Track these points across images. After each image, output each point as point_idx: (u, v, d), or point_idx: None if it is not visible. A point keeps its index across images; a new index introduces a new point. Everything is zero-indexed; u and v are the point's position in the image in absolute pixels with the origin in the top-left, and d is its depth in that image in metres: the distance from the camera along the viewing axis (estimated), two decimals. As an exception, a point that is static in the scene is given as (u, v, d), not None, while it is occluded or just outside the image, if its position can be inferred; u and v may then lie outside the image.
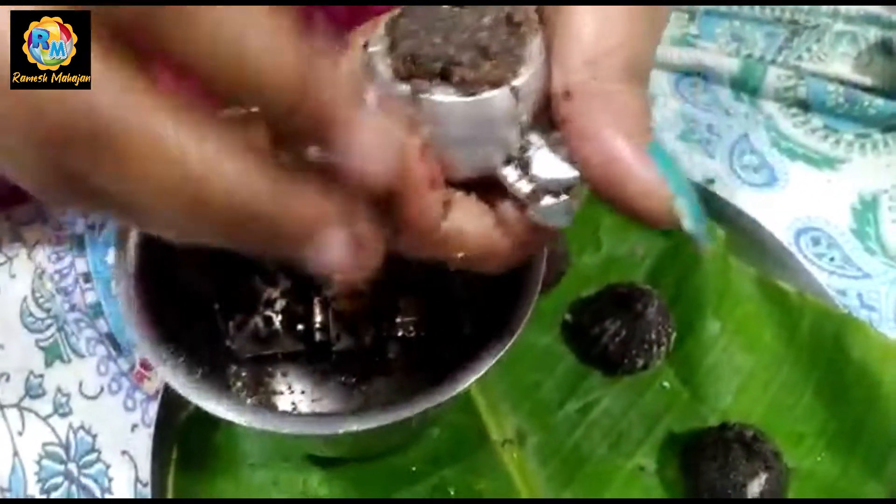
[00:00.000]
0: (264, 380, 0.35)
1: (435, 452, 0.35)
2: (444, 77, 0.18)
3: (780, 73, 0.51)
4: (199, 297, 0.33)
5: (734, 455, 0.33)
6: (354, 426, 0.23)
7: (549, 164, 0.19)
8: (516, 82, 0.18)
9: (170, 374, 0.24)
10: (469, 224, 0.20)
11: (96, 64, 0.14)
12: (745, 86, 0.51)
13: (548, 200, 0.19)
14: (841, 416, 0.36)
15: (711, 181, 0.47)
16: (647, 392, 0.38)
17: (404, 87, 0.19)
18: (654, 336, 0.36)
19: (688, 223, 0.16)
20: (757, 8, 0.55)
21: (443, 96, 0.18)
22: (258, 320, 0.35)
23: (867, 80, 0.51)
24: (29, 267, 0.43)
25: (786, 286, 0.40)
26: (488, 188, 0.20)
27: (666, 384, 0.38)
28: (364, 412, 0.24)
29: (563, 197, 0.19)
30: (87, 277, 0.42)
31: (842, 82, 0.51)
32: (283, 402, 0.35)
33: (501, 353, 0.25)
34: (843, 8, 0.55)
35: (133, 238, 0.27)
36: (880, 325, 0.41)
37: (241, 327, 0.35)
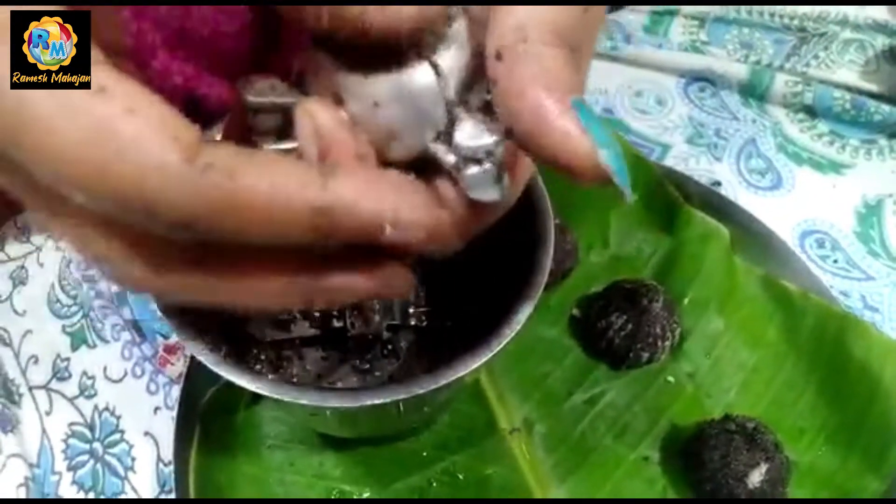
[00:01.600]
0: (282, 364, 0.36)
1: (445, 439, 0.37)
2: (372, 60, 0.19)
3: (788, 80, 0.52)
4: None
5: (736, 445, 0.34)
6: (371, 400, 0.24)
7: (470, 133, 0.19)
8: (437, 59, 0.19)
9: (199, 353, 0.26)
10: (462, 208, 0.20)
11: None
12: (753, 91, 0.53)
13: (472, 169, 0.19)
14: (841, 413, 0.37)
15: (718, 184, 0.48)
16: (652, 385, 0.39)
17: (334, 72, 0.20)
18: (659, 331, 0.38)
19: (611, 171, 0.17)
20: (766, 15, 0.56)
21: (363, 75, 0.19)
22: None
23: (874, 87, 0.52)
24: (56, 255, 0.44)
25: (790, 286, 0.40)
26: (428, 169, 0.21)
27: (671, 378, 0.39)
28: (381, 388, 0.25)
29: (487, 165, 0.19)
30: (112, 266, 0.43)
31: (848, 89, 0.52)
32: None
33: (508, 338, 0.26)
34: (851, 16, 0.56)
35: None
36: (883, 326, 0.42)
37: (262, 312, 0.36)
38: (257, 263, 0.19)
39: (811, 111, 0.52)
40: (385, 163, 0.20)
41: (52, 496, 0.37)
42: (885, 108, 0.50)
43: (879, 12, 0.56)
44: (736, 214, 0.44)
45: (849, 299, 0.43)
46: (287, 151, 0.21)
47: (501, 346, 0.26)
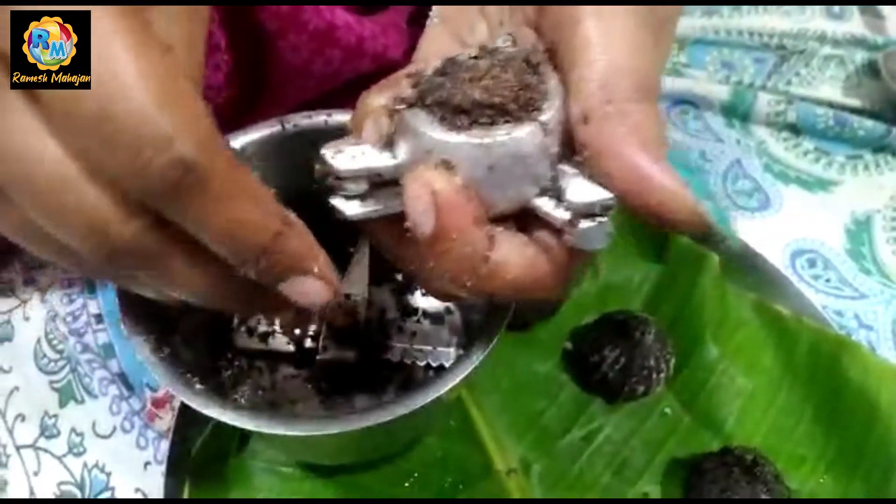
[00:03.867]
0: (252, 374, 0.36)
1: (440, 482, 0.36)
2: (476, 120, 0.19)
3: (770, 99, 0.52)
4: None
5: (735, 478, 0.33)
6: (343, 427, 0.25)
7: (583, 189, 0.19)
8: (543, 118, 0.19)
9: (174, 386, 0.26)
10: (513, 255, 0.20)
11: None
12: (736, 112, 0.53)
13: (585, 224, 0.19)
14: (841, 438, 0.37)
15: (706, 207, 0.48)
16: (649, 418, 0.38)
17: (440, 135, 0.20)
18: (652, 363, 0.37)
19: (712, 223, 0.17)
20: (745, 35, 0.57)
21: (478, 139, 0.19)
22: (261, 317, 0.37)
23: (856, 103, 0.53)
24: (42, 309, 0.44)
25: (782, 310, 0.40)
26: (520, 220, 0.21)
27: (667, 410, 0.39)
28: (368, 411, 0.25)
29: (600, 219, 0.19)
30: (98, 319, 0.43)
31: (831, 105, 0.52)
32: (264, 398, 0.36)
33: (483, 355, 0.26)
34: (829, 32, 0.56)
35: None
36: (878, 344, 0.42)
37: (245, 320, 0.37)
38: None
39: (795, 129, 0.52)
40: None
41: (42, 560, 0.36)
42: (869, 123, 0.50)
43: (857, 27, 0.57)
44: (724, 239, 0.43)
45: (843, 318, 0.43)
46: (388, 218, 0.21)
47: (479, 360, 0.27)
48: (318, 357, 0.35)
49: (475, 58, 0.21)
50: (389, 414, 0.25)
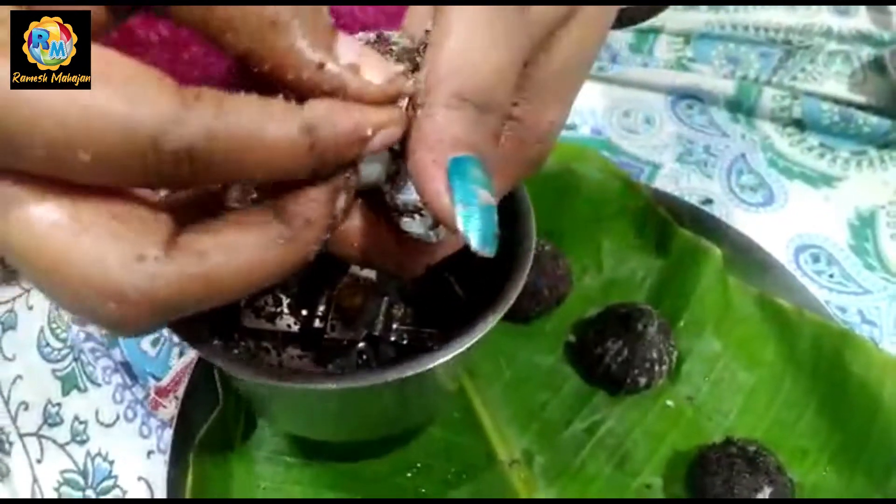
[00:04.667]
0: (259, 354, 0.36)
1: (445, 474, 0.36)
2: None
3: (776, 94, 0.52)
4: None
5: (738, 469, 0.33)
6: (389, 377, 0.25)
7: (405, 189, 0.21)
8: None
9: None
10: (362, 227, 0.22)
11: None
12: (741, 107, 0.53)
13: (406, 218, 0.22)
14: (843, 431, 0.37)
15: (710, 201, 0.48)
16: (652, 411, 0.38)
17: None
18: (655, 355, 0.37)
19: (461, 227, 0.18)
20: (751, 30, 0.57)
21: None
22: (269, 298, 0.37)
23: (861, 99, 0.52)
24: (45, 298, 0.44)
25: (785, 304, 0.40)
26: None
27: (670, 403, 0.39)
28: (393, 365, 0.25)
29: (418, 217, 0.21)
30: (102, 307, 0.43)
31: (836, 101, 0.52)
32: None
33: (480, 335, 0.26)
34: (835, 27, 0.56)
35: None
36: (882, 340, 0.42)
37: (253, 300, 0.37)
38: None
39: (800, 124, 0.52)
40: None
41: (44, 547, 0.36)
42: (874, 119, 0.50)
43: (863, 23, 0.57)
44: (728, 233, 0.43)
45: (846, 314, 0.43)
46: None
47: (486, 329, 0.26)
48: (325, 336, 0.35)
49: (369, 43, 0.22)
50: (381, 377, 0.25)
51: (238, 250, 0.18)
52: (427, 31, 0.22)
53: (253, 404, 0.35)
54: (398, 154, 0.21)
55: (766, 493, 0.33)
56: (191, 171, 0.16)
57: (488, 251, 0.18)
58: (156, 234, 0.17)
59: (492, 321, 0.27)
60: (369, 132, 0.19)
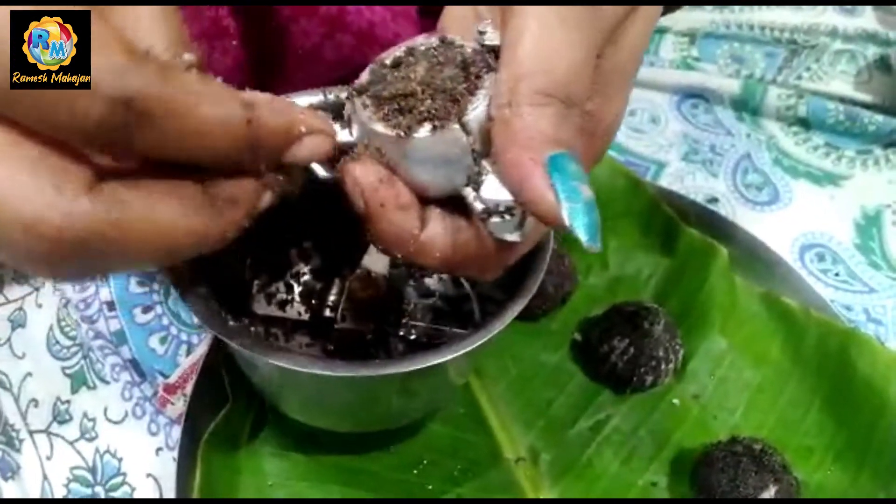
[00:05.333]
0: (269, 340, 0.36)
1: (450, 471, 0.36)
2: (406, 113, 0.22)
3: (781, 93, 0.52)
4: (231, 252, 0.35)
5: (744, 468, 0.33)
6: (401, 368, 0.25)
7: (493, 188, 0.21)
8: (466, 118, 0.21)
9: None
10: (440, 236, 0.22)
11: None
12: (746, 106, 0.53)
13: (495, 219, 0.22)
14: (849, 430, 0.37)
15: (715, 200, 0.48)
16: (657, 409, 0.38)
17: (370, 125, 0.22)
18: (661, 353, 0.37)
19: (570, 224, 0.18)
20: (756, 29, 0.57)
21: (395, 132, 0.22)
22: (280, 285, 0.38)
23: (867, 98, 0.52)
24: (54, 297, 0.44)
25: (791, 302, 0.40)
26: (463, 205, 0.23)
27: (675, 401, 0.39)
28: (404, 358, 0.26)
29: (507, 217, 0.21)
30: (110, 306, 0.43)
31: (842, 100, 0.52)
32: None
33: (493, 333, 0.26)
34: (840, 27, 0.56)
35: None
36: (887, 339, 0.42)
37: (265, 287, 0.37)
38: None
39: (805, 123, 0.52)
40: (425, 200, 0.23)
41: (54, 542, 0.36)
42: (879, 118, 0.50)
43: (869, 22, 0.57)
44: (734, 232, 0.43)
45: (851, 313, 0.43)
46: None
47: (495, 331, 0.27)
48: (336, 326, 0.35)
49: (432, 48, 0.23)
50: (395, 367, 0.26)
51: (156, 209, 0.18)
52: (480, 33, 0.23)
53: (263, 390, 0.35)
54: (480, 156, 0.22)
55: (771, 491, 0.33)
56: (125, 124, 0.16)
57: (596, 245, 0.18)
58: (78, 174, 0.17)
59: (508, 318, 0.27)
60: (303, 129, 0.20)
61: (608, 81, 0.23)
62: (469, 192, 0.22)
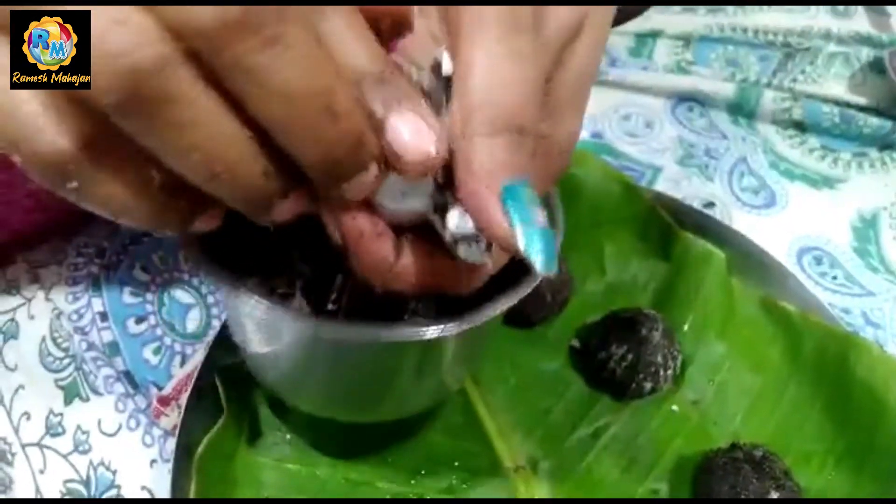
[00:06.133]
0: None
1: (449, 481, 0.36)
2: None
3: (776, 96, 0.52)
4: (231, 246, 0.35)
5: (744, 475, 0.33)
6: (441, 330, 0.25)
7: (458, 218, 0.21)
8: None
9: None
10: (414, 263, 0.23)
11: None
12: (742, 109, 0.53)
13: (462, 246, 0.22)
14: (849, 435, 0.37)
15: (711, 204, 0.48)
16: (657, 416, 0.38)
17: None
18: (660, 360, 0.37)
19: (525, 250, 0.19)
20: (750, 32, 0.57)
21: None
22: (282, 279, 0.37)
23: (862, 100, 0.53)
24: (47, 308, 0.44)
25: (789, 307, 0.40)
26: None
27: (675, 408, 0.38)
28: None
29: (474, 244, 0.22)
30: (103, 317, 0.43)
31: (837, 103, 0.52)
32: None
33: (495, 313, 0.26)
34: (834, 29, 0.56)
35: None
36: (886, 342, 0.42)
37: (264, 282, 0.36)
38: None
39: (801, 126, 0.52)
40: (398, 228, 0.23)
41: (47, 558, 0.36)
42: (875, 120, 0.50)
43: (862, 25, 0.57)
44: (731, 237, 0.43)
45: (850, 316, 0.43)
46: None
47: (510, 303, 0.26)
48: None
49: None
50: (397, 335, 0.25)
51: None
52: (437, 63, 0.22)
53: (267, 377, 0.35)
54: (443, 186, 0.22)
55: (773, 497, 0.33)
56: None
57: (553, 270, 0.19)
58: None
59: (514, 299, 0.26)
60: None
61: (559, 103, 0.23)
62: (436, 220, 0.22)
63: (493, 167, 0.20)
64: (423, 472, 0.36)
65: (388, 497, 0.35)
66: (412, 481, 0.36)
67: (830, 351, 0.38)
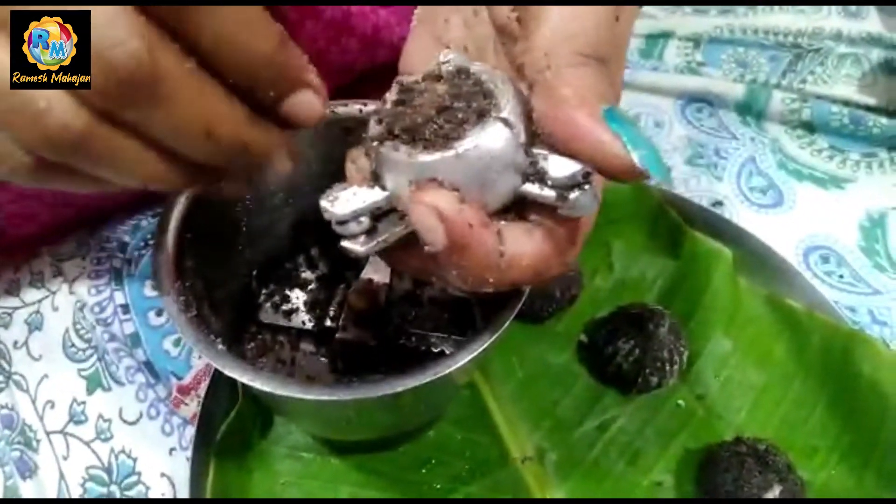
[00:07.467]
0: (274, 347, 0.37)
1: (458, 471, 0.37)
2: (443, 135, 0.21)
3: (785, 97, 0.52)
4: (240, 262, 0.36)
5: (748, 467, 0.34)
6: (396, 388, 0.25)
7: (559, 165, 0.21)
8: (503, 114, 0.21)
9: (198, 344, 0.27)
10: (522, 243, 0.22)
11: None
12: (751, 110, 0.53)
13: (573, 195, 0.21)
14: (853, 430, 0.37)
15: (720, 204, 0.48)
16: (663, 410, 0.39)
17: (416, 158, 0.21)
18: (666, 355, 0.38)
19: (642, 167, 0.19)
20: (760, 33, 0.57)
21: (451, 151, 0.21)
22: (287, 294, 0.39)
23: (871, 101, 0.53)
24: (70, 300, 0.45)
25: (795, 304, 0.41)
26: (514, 208, 0.22)
27: (680, 402, 0.39)
28: (408, 373, 0.26)
29: (585, 186, 0.21)
30: (125, 309, 0.44)
31: (846, 103, 0.52)
32: (282, 371, 0.38)
33: (492, 338, 0.27)
34: (845, 30, 0.56)
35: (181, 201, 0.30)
36: (893, 340, 0.42)
37: (271, 296, 0.38)
38: None
39: (810, 127, 0.52)
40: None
41: (71, 541, 0.37)
42: (884, 120, 0.50)
43: (873, 25, 0.57)
44: (738, 235, 0.44)
45: (856, 314, 0.43)
46: (400, 243, 0.23)
47: (492, 338, 0.27)
48: (336, 336, 0.36)
49: (423, 80, 0.23)
50: (399, 386, 0.25)
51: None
52: (443, 62, 0.23)
53: (269, 405, 0.36)
54: (529, 146, 0.21)
55: (776, 491, 0.34)
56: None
57: (669, 181, 0.20)
58: None
59: (506, 320, 0.27)
60: (313, 79, 0.22)
61: (623, 41, 0.23)
62: (532, 188, 0.21)
63: (587, 94, 0.19)
64: (432, 461, 0.37)
65: (398, 486, 0.36)
66: (423, 470, 0.37)
67: (836, 347, 0.39)
